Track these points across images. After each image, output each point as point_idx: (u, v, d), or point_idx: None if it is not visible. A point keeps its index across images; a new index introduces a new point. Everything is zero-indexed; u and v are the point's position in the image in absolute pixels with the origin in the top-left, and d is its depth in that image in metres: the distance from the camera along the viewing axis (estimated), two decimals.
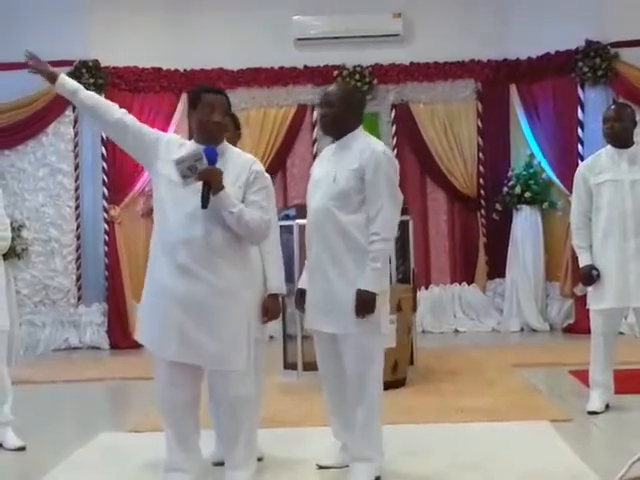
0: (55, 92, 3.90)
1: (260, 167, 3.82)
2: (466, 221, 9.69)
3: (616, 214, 5.29)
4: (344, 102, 4.04)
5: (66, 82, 3.84)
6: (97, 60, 9.12)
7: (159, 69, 9.35)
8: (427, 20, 9.42)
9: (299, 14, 9.40)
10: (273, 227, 4.19)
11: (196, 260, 3.59)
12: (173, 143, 3.83)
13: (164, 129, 8.76)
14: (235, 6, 9.28)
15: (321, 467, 4.25)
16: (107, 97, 8.82)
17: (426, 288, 9.45)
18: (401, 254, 7.29)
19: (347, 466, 4.15)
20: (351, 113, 4.07)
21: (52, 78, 3.80)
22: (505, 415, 5.34)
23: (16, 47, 8.83)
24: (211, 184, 3.55)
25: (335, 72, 9.40)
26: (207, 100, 3.74)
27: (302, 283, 4.22)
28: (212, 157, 3.61)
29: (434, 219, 9.68)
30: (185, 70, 9.38)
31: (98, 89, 9.08)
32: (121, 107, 9.41)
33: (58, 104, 9.20)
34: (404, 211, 7.61)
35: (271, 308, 4.21)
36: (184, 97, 9.29)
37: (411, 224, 7.46)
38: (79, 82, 8.90)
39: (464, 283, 9.66)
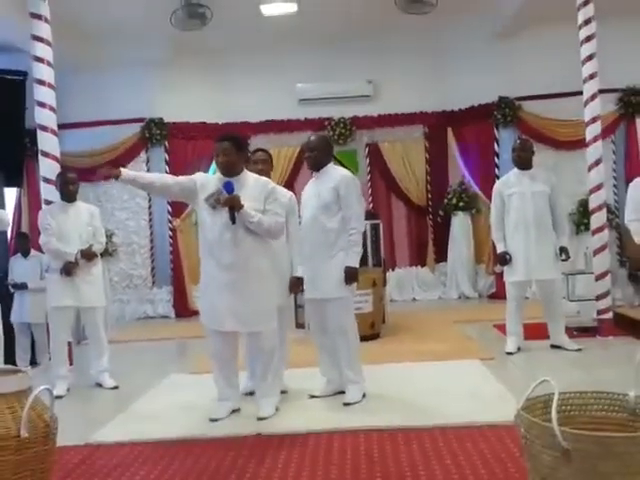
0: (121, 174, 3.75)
1: (273, 185, 3.87)
2: (419, 223, 9.66)
3: (522, 215, 5.32)
4: (322, 148, 4.16)
5: (128, 175, 3.78)
6: (162, 117, 9.15)
7: (204, 123, 9.33)
8: (390, 85, 9.40)
9: (301, 82, 9.39)
10: (297, 228, 4.32)
11: (233, 256, 3.66)
12: (203, 179, 3.86)
13: (208, 167, 8.85)
14: (257, 76, 9.27)
15: (312, 396, 4.23)
16: (169, 144, 9.10)
17: (392, 270, 9.44)
18: (375, 247, 7.31)
19: (331, 395, 4.21)
20: (326, 155, 4.18)
21: (116, 175, 3.73)
22: (449, 356, 5.37)
23: (102, 109, 8.97)
24: (234, 207, 3.61)
25: (326, 122, 9.40)
26: (215, 147, 3.78)
27: (300, 272, 4.30)
28: (230, 189, 3.65)
29: (397, 222, 9.65)
30: (222, 123, 9.37)
31: (163, 138, 9.16)
32: (178, 152, 9.36)
33: (135, 149, 9.25)
34: (376, 217, 7.69)
35: (294, 286, 4.30)
36: None
37: (381, 226, 7.50)
38: (149, 134, 9.13)
39: (419, 266, 9.64)
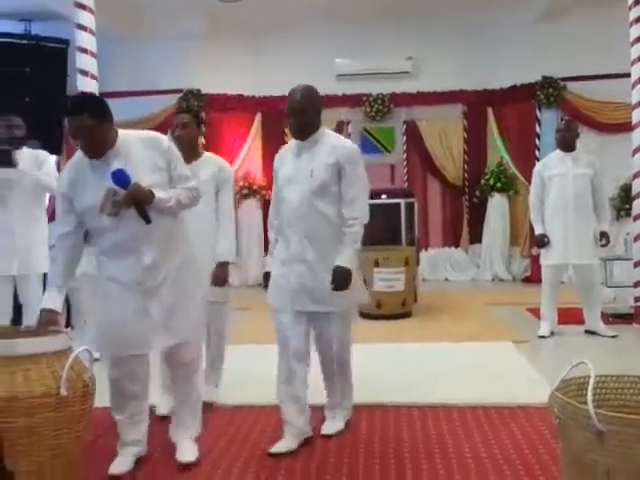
0: None
1: (167, 142, 2.81)
2: (454, 203, 9.57)
3: (562, 197, 5.27)
4: (312, 107, 3.05)
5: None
6: (199, 89, 9.17)
7: (241, 95, 9.33)
8: (429, 62, 9.28)
9: (340, 57, 9.32)
10: (230, 205, 3.51)
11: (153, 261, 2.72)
12: (72, 175, 2.74)
13: (244, 139, 8.92)
14: (295, 51, 9.21)
15: (273, 454, 2.96)
16: (206, 116, 9.09)
17: (425, 249, 9.40)
18: (409, 225, 7.29)
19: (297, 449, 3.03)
20: (317, 116, 3.09)
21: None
22: (481, 337, 5.36)
23: (142, 79, 9.01)
24: (142, 202, 2.63)
25: (364, 98, 9.33)
26: (68, 125, 2.64)
27: (268, 267, 3.25)
28: (123, 180, 2.61)
29: (432, 201, 9.57)
30: (259, 96, 9.38)
31: (200, 109, 9.15)
32: (214, 123, 9.34)
33: (172, 119, 9.26)
34: (411, 195, 7.65)
35: (217, 275, 3.41)
36: (258, 116, 9.33)
37: (416, 205, 7.47)
38: (187, 105, 9.10)
39: (452, 246, 9.57)
